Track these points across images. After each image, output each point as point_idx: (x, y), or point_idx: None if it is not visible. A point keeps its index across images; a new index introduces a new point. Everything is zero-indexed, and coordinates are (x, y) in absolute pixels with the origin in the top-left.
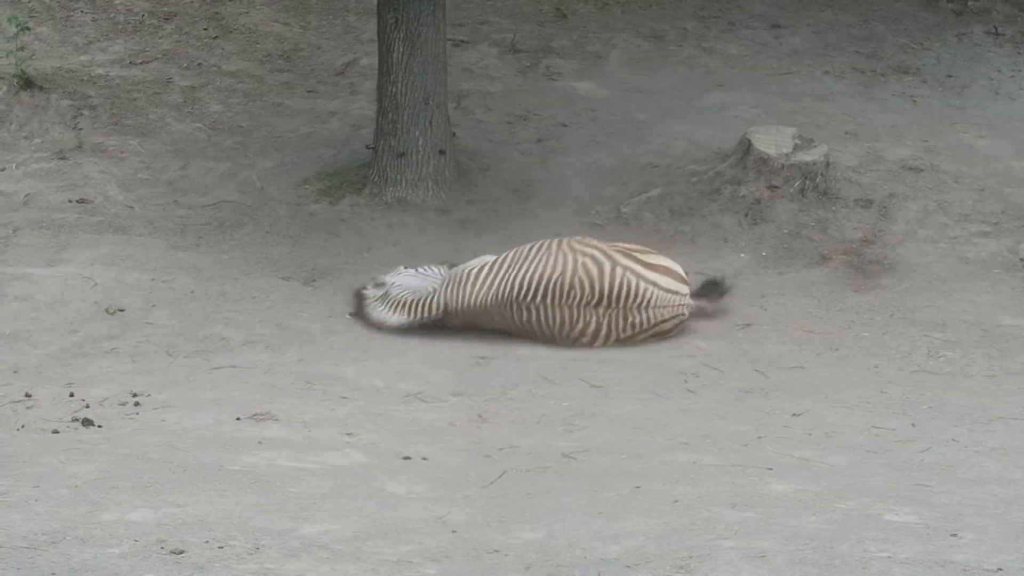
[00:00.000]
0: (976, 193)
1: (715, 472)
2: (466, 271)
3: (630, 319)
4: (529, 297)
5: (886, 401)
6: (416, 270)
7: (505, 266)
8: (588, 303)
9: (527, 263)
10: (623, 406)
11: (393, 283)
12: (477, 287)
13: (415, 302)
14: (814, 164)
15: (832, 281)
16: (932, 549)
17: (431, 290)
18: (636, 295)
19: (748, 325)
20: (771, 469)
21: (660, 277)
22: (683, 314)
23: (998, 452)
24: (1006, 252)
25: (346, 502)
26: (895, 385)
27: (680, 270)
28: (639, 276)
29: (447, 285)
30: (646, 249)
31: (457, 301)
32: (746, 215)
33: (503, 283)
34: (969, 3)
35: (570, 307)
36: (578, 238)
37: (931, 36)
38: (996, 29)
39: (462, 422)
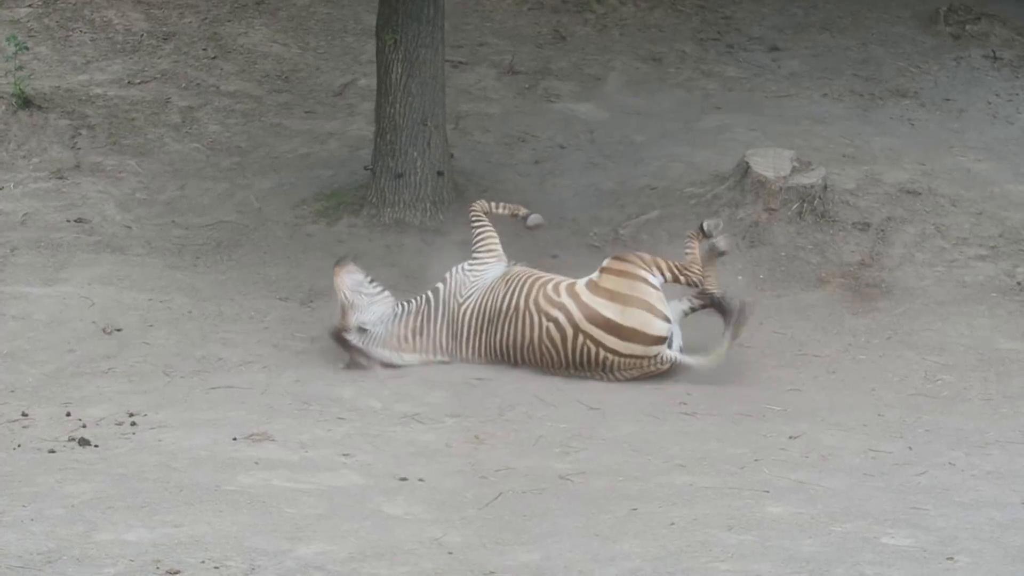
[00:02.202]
0: (974, 217)
1: (712, 495)
2: (460, 321)
3: (600, 376)
4: (509, 357)
5: (883, 424)
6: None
7: (484, 322)
8: (559, 366)
9: (500, 325)
10: (620, 428)
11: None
12: (468, 344)
13: (416, 331)
14: (812, 187)
15: (830, 304)
16: (928, 572)
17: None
18: (597, 362)
19: (746, 348)
20: (768, 492)
21: (622, 344)
22: (657, 367)
23: (994, 476)
24: (1003, 276)
25: (342, 523)
26: (892, 408)
27: (655, 329)
28: (599, 344)
29: (442, 323)
30: (630, 285)
31: (457, 352)
32: (744, 237)
33: (485, 345)
34: (967, 27)
35: (544, 364)
36: (548, 287)
37: (929, 60)
38: (994, 53)
39: (459, 443)
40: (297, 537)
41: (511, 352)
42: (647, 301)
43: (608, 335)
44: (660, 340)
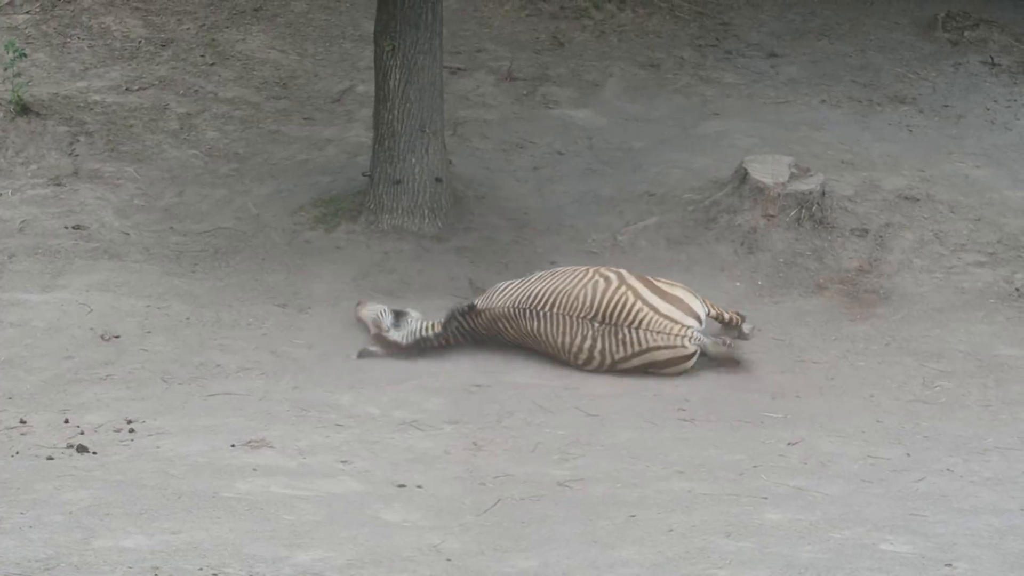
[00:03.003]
0: (972, 223)
1: (710, 501)
2: (502, 283)
3: (620, 336)
4: (539, 304)
5: (881, 430)
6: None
7: (532, 279)
8: (587, 316)
9: (550, 278)
10: (618, 435)
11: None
12: (503, 294)
13: (439, 321)
14: (810, 193)
15: (828, 310)
16: None
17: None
18: (629, 313)
19: (744, 354)
20: (766, 498)
21: (662, 303)
22: (681, 346)
23: (993, 482)
24: (1002, 282)
25: (340, 530)
26: (891, 414)
27: (696, 306)
28: (639, 296)
29: (483, 295)
30: (677, 284)
31: (485, 304)
32: (742, 244)
33: (523, 292)
34: (965, 33)
35: (571, 317)
36: (610, 266)
37: (927, 66)
38: (992, 59)
39: (457, 450)
40: (295, 544)
41: (541, 299)
42: (692, 292)
43: (651, 293)
44: (697, 317)
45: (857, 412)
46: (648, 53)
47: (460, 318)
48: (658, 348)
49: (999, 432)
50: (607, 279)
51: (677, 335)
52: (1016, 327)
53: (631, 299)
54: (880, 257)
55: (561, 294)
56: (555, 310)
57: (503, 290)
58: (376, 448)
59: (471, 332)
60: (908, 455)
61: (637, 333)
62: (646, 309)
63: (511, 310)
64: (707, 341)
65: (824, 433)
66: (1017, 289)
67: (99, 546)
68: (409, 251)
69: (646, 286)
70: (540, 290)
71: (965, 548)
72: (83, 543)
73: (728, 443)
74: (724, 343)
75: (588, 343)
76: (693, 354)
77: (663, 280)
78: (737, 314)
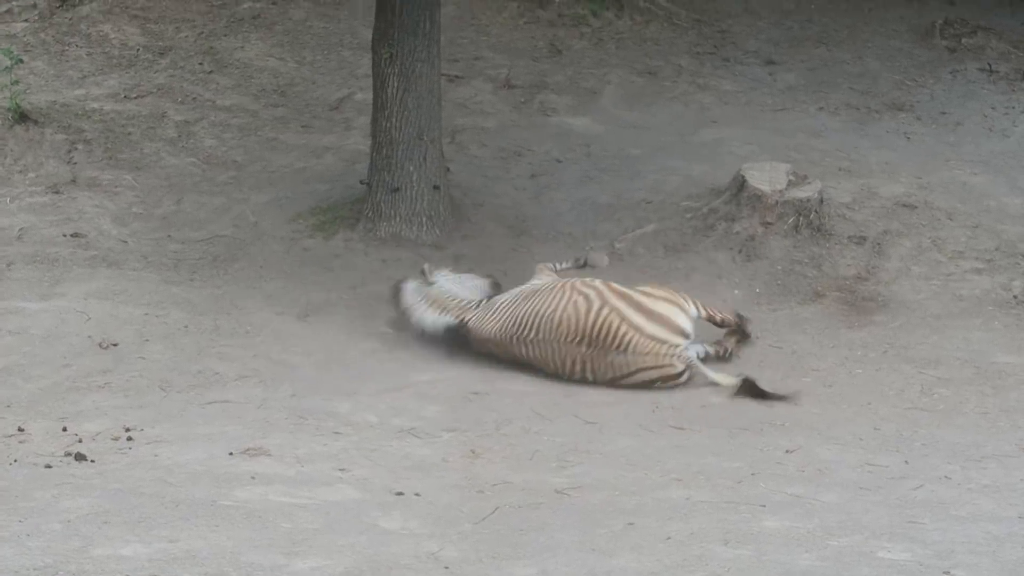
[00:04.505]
0: (970, 230)
1: (708, 509)
2: (496, 300)
3: (608, 359)
4: (524, 332)
5: (879, 438)
6: (458, 276)
7: (517, 300)
8: (573, 340)
9: (532, 299)
10: (617, 442)
11: (439, 283)
12: (492, 318)
13: (456, 306)
14: (808, 200)
15: (826, 318)
16: None
17: (469, 300)
18: (615, 338)
19: (742, 361)
20: (764, 506)
21: (647, 324)
22: (669, 365)
23: (991, 489)
24: (1000, 289)
25: (338, 538)
26: (888, 422)
27: (681, 320)
28: (623, 319)
29: (480, 308)
30: (659, 292)
31: (477, 327)
32: (740, 251)
33: (509, 317)
34: (963, 40)
35: (558, 343)
36: (587, 279)
37: (925, 73)
38: (990, 66)
39: (455, 458)
40: (293, 552)
41: (525, 325)
42: (678, 302)
43: (635, 312)
44: (684, 333)
45: (855, 419)
46: (646, 61)
47: (456, 322)
48: (647, 368)
49: (997, 439)
50: (587, 298)
51: (665, 355)
52: (1014, 334)
53: (615, 321)
54: (878, 264)
55: (544, 319)
56: (540, 336)
57: (495, 309)
58: (374, 456)
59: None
60: (906, 462)
61: (625, 356)
62: (632, 332)
63: (498, 336)
64: (696, 354)
65: (822, 440)
66: (1015, 296)
67: (97, 554)
68: (407, 259)
69: (629, 305)
70: (523, 314)
71: (963, 556)
72: (81, 551)
73: (726, 451)
74: (722, 352)
75: (578, 366)
76: (682, 372)
77: (643, 291)
78: (737, 316)
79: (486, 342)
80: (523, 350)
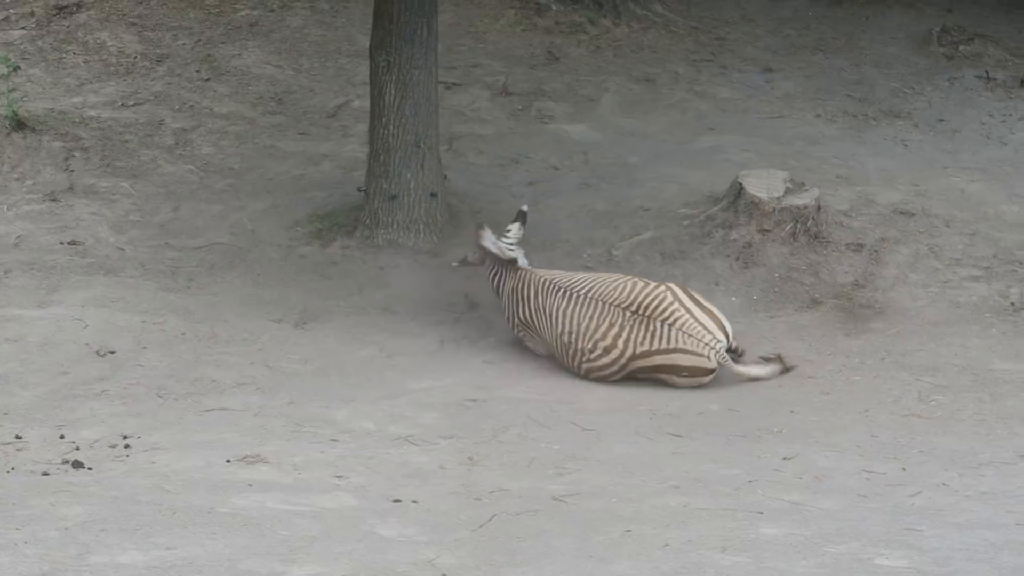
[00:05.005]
0: (967, 237)
1: (706, 516)
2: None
3: (651, 328)
4: (576, 285)
5: (877, 445)
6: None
7: (584, 272)
8: (621, 304)
9: (594, 274)
10: (614, 449)
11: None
12: (547, 271)
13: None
14: (805, 208)
15: (823, 325)
16: None
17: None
18: (665, 310)
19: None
20: (762, 513)
21: (699, 312)
22: (706, 356)
23: (989, 496)
24: (997, 296)
25: (336, 545)
26: (886, 429)
27: (727, 324)
28: (677, 298)
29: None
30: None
31: (531, 270)
32: (737, 258)
33: (566, 275)
34: (960, 48)
35: (603, 303)
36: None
37: (922, 80)
38: (987, 74)
39: (452, 465)
40: (291, 559)
41: (582, 282)
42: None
43: (689, 301)
44: (726, 334)
45: (852, 427)
46: (643, 68)
47: (497, 266)
48: (684, 351)
49: (994, 446)
50: (647, 282)
51: (707, 344)
52: (1011, 341)
53: (669, 298)
54: (875, 272)
55: (599, 283)
56: (590, 294)
57: (552, 269)
58: (371, 463)
59: (495, 287)
60: (904, 470)
61: (670, 330)
62: (683, 311)
63: (545, 283)
64: (730, 363)
65: (820, 448)
66: (1012, 303)
67: (94, 562)
68: (404, 266)
69: (685, 292)
70: (580, 277)
71: (961, 563)
72: (79, 559)
73: (724, 458)
74: (773, 358)
75: (614, 330)
76: (713, 370)
77: (698, 293)
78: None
79: (527, 284)
80: (562, 304)
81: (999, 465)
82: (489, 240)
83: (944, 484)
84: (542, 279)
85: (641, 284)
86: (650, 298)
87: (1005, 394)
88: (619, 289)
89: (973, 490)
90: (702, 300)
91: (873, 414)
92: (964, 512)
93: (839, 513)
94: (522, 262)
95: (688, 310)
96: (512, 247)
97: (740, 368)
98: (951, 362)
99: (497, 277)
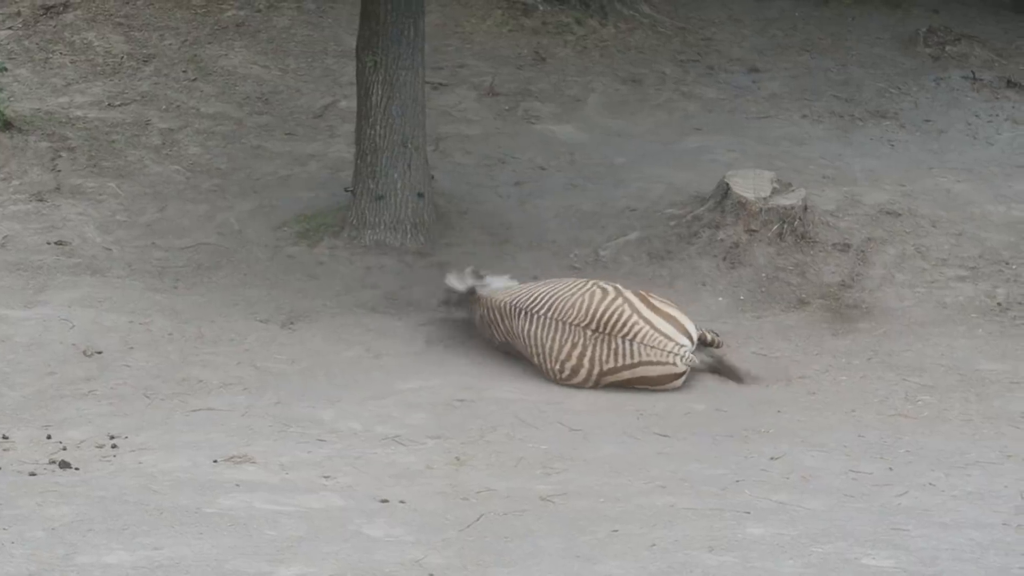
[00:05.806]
0: (954, 237)
1: (692, 516)
2: (511, 283)
3: (612, 346)
4: (535, 305)
5: (864, 445)
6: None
7: (537, 283)
8: (580, 323)
9: (550, 284)
10: (601, 449)
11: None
12: (507, 292)
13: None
14: (792, 208)
15: (810, 325)
16: None
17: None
18: (624, 325)
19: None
20: (748, 513)
21: (658, 319)
22: (672, 363)
23: (975, 496)
24: (983, 296)
25: (323, 545)
26: (873, 429)
27: (689, 326)
28: (635, 310)
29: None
30: (671, 303)
31: (488, 296)
32: (724, 259)
33: (524, 292)
34: (947, 48)
35: (564, 323)
36: (607, 280)
37: (909, 81)
38: (974, 74)
39: (440, 465)
40: (278, 559)
41: (539, 301)
42: (684, 313)
43: (647, 309)
44: (690, 337)
45: (839, 427)
46: (630, 68)
47: (465, 302)
48: (650, 363)
49: (981, 446)
50: (604, 291)
51: (670, 352)
52: (997, 341)
53: (627, 311)
54: (862, 272)
55: (558, 299)
56: (550, 314)
57: (507, 288)
58: (359, 463)
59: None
60: (890, 469)
61: (631, 345)
62: (642, 323)
63: (506, 306)
64: (697, 360)
65: (806, 448)
66: (999, 303)
67: (81, 562)
68: (391, 266)
69: (642, 301)
70: (539, 293)
71: (947, 562)
72: (65, 559)
73: (710, 458)
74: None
75: (578, 351)
76: (683, 373)
77: (657, 297)
78: (715, 334)
79: (491, 309)
80: (526, 325)
81: (985, 465)
82: (451, 280)
83: (931, 484)
84: (502, 302)
85: (599, 295)
86: (608, 313)
87: (991, 394)
88: (577, 305)
89: (960, 490)
90: (660, 305)
91: (860, 414)
92: (951, 512)
93: (826, 513)
94: (496, 285)
95: (647, 320)
96: (482, 276)
97: (715, 352)
98: (938, 362)
99: (470, 311)
